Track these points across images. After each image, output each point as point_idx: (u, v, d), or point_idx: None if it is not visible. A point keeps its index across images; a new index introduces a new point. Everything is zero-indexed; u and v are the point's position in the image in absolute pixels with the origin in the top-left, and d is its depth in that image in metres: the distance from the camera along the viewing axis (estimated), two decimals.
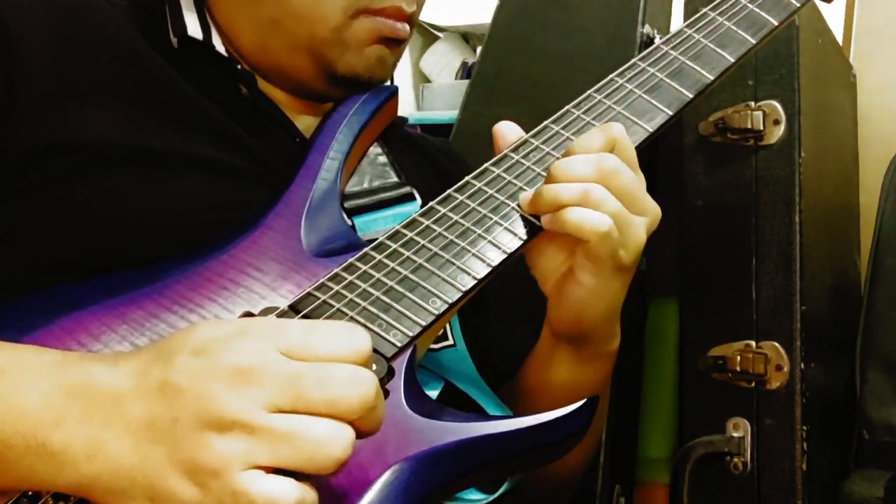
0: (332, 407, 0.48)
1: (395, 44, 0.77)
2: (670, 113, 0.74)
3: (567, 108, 0.74)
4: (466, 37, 1.94)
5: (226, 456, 0.46)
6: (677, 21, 1.23)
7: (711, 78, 0.77)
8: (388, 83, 0.81)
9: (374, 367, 0.52)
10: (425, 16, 0.91)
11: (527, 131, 0.73)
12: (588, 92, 0.74)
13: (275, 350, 0.48)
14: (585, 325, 0.71)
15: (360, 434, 0.49)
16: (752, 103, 1.06)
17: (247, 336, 0.49)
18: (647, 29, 1.14)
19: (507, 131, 0.73)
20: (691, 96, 0.75)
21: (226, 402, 0.47)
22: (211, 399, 0.47)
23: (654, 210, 0.69)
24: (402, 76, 1.80)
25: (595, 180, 0.66)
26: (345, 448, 0.47)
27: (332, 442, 0.47)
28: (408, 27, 0.77)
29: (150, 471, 0.47)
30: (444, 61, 1.88)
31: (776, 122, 1.04)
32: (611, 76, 0.76)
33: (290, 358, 0.48)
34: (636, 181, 0.68)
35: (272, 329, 0.50)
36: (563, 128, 0.72)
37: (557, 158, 0.70)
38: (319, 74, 0.76)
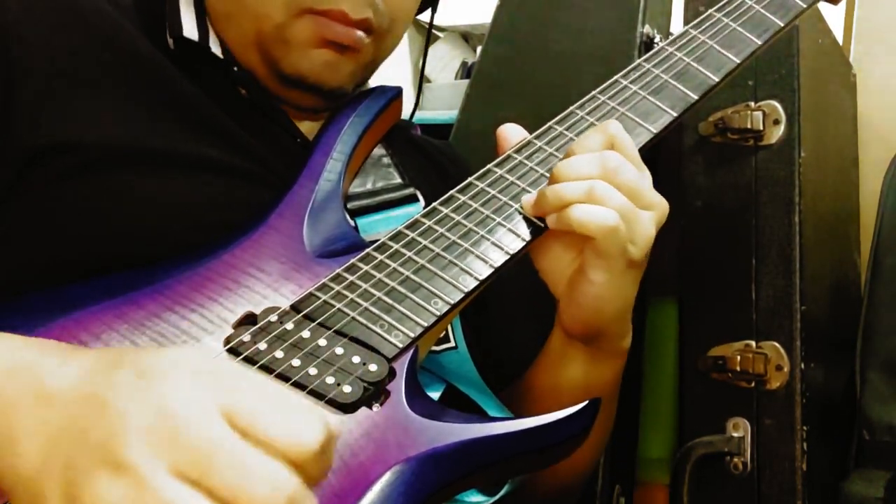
0: (233, 497, 0.42)
1: (347, 50, 0.74)
2: (675, 114, 0.74)
3: (571, 109, 0.73)
4: (466, 37, 1.94)
5: (105, 502, 0.42)
6: (677, 21, 1.23)
7: (716, 79, 0.76)
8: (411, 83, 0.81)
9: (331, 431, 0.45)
10: (425, 15, 0.90)
11: (527, 131, 0.73)
12: (592, 93, 0.74)
13: (216, 408, 0.43)
14: (600, 323, 0.71)
15: None
16: (752, 103, 1.06)
17: (199, 379, 0.44)
18: (647, 29, 1.14)
19: (511, 133, 0.73)
20: (696, 97, 0.75)
21: (133, 444, 0.42)
22: (124, 433, 0.43)
23: (661, 204, 0.69)
24: (402, 76, 1.80)
25: (598, 177, 0.66)
26: None
27: None
28: (360, 33, 0.74)
29: (40, 485, 0.44)
30: (444, 61, 1.87)
31: (776, 122, 1.04)
32: (615, 77, 0.76)
33: (230, 421, 0.43)
34: (640, 176, 0.68)
35: (229, 383, 0.45)
36: (567, 129, 0.72)
37: (561, 159, 0.70)
38: (269, 73, 0.75)
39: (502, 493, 0.68)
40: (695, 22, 0.80)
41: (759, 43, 0.79)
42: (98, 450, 0.43)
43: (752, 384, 1.00)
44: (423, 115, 1.63)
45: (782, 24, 0.81)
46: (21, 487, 0.45)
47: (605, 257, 0.66)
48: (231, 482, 0.42)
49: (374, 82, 0.85)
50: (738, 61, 0.78)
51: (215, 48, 0.75)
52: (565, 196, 0.66)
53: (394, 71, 0.85)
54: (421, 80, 0.98)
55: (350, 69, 0.76)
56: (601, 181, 0.66)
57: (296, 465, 0.43)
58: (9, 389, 0.47)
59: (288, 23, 0.72)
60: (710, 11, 0.81)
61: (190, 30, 0.75)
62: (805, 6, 0.83)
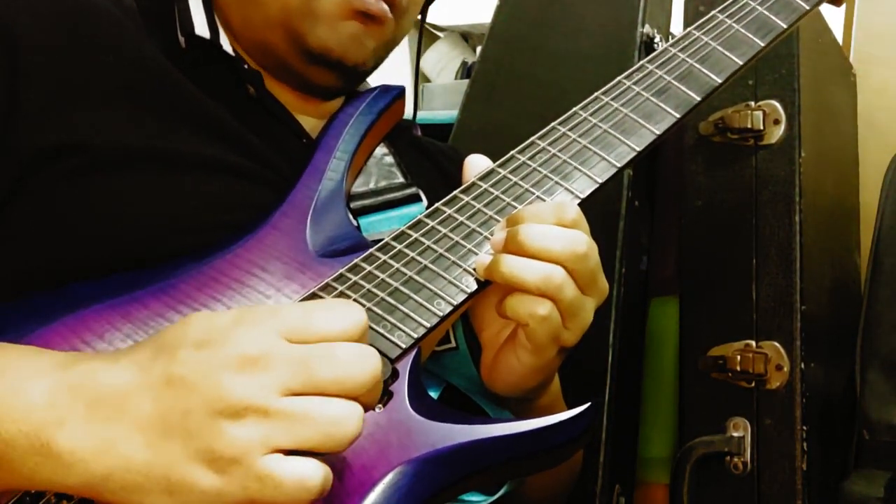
0: (342, 386, 0.48)
1: (373, 22, 0.75)
2: (678, 115, 0.73)
3: (574, 110, 0.73)
4: (466, 36, 1.94)
5: (244, 442, 0.47)
6: (677, 21, 1.23)
7: (719, 81, 0.76)
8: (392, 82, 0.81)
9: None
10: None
11: (527, 132, 0.73)
12: (595, 94, 0.74)
13: (276, 334, 0.49)
14: (518, 393, 0.70)
15: (364, 409, 0.50)
16: (752, 103, 1.06)
17: (246, 324, 0.50)
18: (647, 29, 1.14)
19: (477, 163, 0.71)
20: (699, 99, 0.75)
21: (237, 389, 0.47)
22: (221, 388, 0.47)
23: (604, 289, 0.66)
24: (402, 76, 1.80)
25: (564, 261, 0.62)
26: (357, 425, 0.49)
27: (346, 419, 0.48)
28: (386, 7, 0.75)
29: (166, 463, 0.48)
30: (444, 61, 1.87)
31: (776, 122, 1.04)
32: (618, 78, 0.75)
33: (292, 341, 0.49)
34: (598, 261, 0.65)
35: (269, 314, 0.51)
36: (570, 130, 0.72)
37: (564, 160, 0.70)
38: (293, 49, 0.75)
39: (501, 492, 0.68)
40: (698, 23, 0.79)
41: (763, 44, 0.79)
42: (208, 411, 0.47)
43: (752, 384, 1.00)
44: (423, 115, 1.63)
45: (785, 26, 0.80)
46: (142, 479, 0.48)
47: (534, 343, 0.64)
48: (332, 373, 0.48)
49: (373, 82, 0.85)
50: (741, 63, 0.77)
51: (226, 46, 0.76)
52: (521, 280, 0.62)
53: (393, 72, 0.85)
54: (417, 79, 0.98)
55: (373, 45, 0.77)
56: (559, 270, 0.62)
57: (357, 340, 0.51)
58: (78, 405, 0.49)
59: None
60: (713, 13, 0.80)
61: (201, 28, 0.75)
62: (808, 7, 0.82)
